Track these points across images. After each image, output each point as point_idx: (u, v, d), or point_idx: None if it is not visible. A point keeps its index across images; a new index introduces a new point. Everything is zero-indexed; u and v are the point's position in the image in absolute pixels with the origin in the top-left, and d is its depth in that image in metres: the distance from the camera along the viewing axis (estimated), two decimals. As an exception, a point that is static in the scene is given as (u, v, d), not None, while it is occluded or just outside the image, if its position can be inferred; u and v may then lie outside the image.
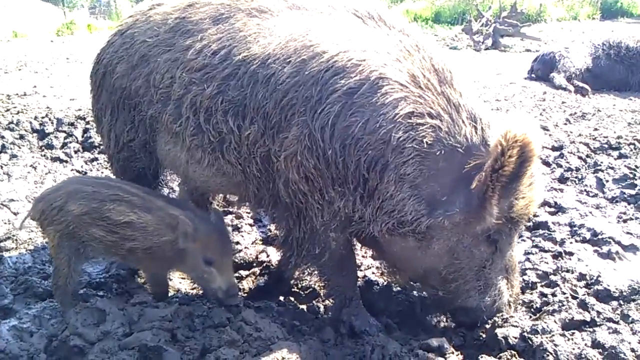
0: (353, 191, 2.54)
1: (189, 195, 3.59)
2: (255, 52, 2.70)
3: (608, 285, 2.99)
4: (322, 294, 3.25)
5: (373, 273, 3.42)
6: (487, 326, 2.81)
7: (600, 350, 2.48)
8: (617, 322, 2.67)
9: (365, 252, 3.51)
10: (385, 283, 3.29)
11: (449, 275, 2.65)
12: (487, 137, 2.46)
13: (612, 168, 4.97)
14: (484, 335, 2.80)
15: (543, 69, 9.18)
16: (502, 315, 2.79)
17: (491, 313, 2.76)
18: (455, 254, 2.59)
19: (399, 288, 3.19)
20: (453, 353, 2.69)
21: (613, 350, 2.44)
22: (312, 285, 3.35)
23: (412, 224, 2.51)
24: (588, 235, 3.79)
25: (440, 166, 2.44)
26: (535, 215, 4.17)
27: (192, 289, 3.26)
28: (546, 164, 5.28)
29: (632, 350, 2.44)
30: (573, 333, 2.61)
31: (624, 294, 2.91)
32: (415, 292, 3.19)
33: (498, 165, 2.26)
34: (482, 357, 2.55)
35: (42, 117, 6.27)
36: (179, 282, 3.26)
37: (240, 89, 2.70)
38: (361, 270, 3.47)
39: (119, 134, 3.26)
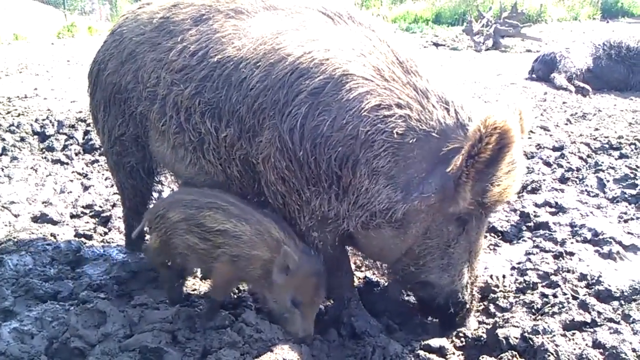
0: (328, 189, 2.56)
1: None
2: (229, 54, 2.75)
3: (609, 286, 2.98)
4: (322, 295, 3.25)
5: (374, 274, 3.42)
6: (488, 326, 2.80)
7: (601, 350, 2.47)
8: (618, 323, 2.66)
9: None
10: (386, 284, 3.28)
11: (421, 252, 2.64)
12: (462, 118, 2.46)
13: (613, 168, 4.95)
14: (484, 336, 2.79)
15: (544, 70, 9.19)
16: (503, 316, 2.78)
17: (448, 292, 2.73)
18: (428, 233, 2.59)
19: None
20: (454, 354, 2.69)
21: (614, 351, 2.43)
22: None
23: (387, 213, 2.50)
24: (589, 236, 3.78)
25: (416, 153, 2.44)
26: (536, 216, 4.17)
27: (193, 290, 3.25)
28: (547, 164, 5.28)
29: (634, 350, 2.43)
30: (574, 333, 2.60)
31: (625, 294, 2.90)
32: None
33: (475, 151, 2.25)
34: (483, 357, 2.54)
35: (43, 120, 6.28)
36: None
37: (216, 91, 2.75)
38: (362, 271, 3.47)
39: (110, 128, 3.32)
